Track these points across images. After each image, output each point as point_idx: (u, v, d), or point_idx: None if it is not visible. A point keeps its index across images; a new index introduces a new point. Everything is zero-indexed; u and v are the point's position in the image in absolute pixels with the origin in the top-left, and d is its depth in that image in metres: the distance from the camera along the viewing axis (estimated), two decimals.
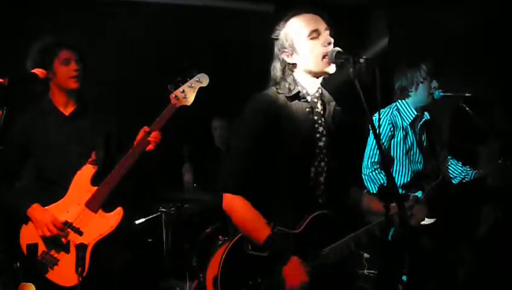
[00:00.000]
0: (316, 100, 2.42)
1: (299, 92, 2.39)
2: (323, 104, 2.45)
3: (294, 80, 2.40)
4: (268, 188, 2.37)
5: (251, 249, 2.29)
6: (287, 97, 2.38)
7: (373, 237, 2.34)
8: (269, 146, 2.33)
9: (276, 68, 2.42)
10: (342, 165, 2.45)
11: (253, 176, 2.33)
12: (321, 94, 2.46)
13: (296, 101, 2.39)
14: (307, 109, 2.40)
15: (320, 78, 2.44)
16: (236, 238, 2.33)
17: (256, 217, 2.30)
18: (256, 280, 2.26)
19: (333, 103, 2.49)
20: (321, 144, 2.39)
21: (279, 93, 2.39)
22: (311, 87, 2.42)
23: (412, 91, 3.62)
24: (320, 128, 2.41)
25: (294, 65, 2.40)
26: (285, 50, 2.39)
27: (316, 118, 2.41)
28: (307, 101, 2.41)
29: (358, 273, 3.60)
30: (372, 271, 3.73)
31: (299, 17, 2.40)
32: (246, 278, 2.27)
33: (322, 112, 2.43)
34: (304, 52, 2.37)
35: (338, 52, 2.32)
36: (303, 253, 2.29)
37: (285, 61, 2.40)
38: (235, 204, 2.34)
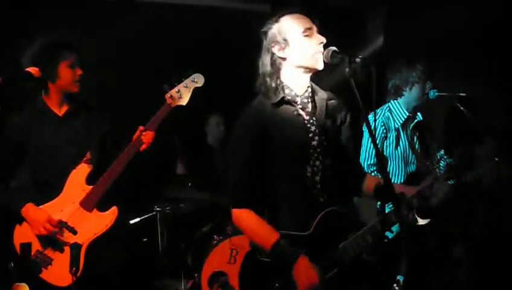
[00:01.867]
0: (306, 100, 2.41)
1: (283, 97, 2.39)
2: (314, 101, 2.45)
3: (280, 83, 2.39)
4: (270, 196, 2.38)
5: (263, 256, 2.31)
6: (273, 104, 2.38)
7: (390, 226, 2.33)
8: (264, 156, 2.35)
9: (265, 62, 2.41)
10: (341, 160, 2.44)
11: (255, 187, 2.36)
12: (311, 92, 2.44)
13: (283, 105, 2.39)
14: (295, 112, 2.40)
15: (309, 75, 2.42)
16: (250, 249, 2.37)
17: (262, 226, 2.33)
18: (274, 285, 2.27)
19: (324, 97, 2.48)
20: (314, 143, 2.38)
21: (266, 98, 2.39)
22: (299, 86, 2.41)
23: (405, 90, 3.61)
24: (313, 128, 2.40)
25: (284, 59, 2.39)
26: (277, 43, 2.38)
27: (307, 118, 2.40)
28: (294, 104, 2.40)
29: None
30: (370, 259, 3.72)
31: (292, 15, 2.41)
32: (264, 285, 2.29)
33: (313, 110, 2.43)
34: (297, 47, 2.36)
35: (334, 51, 2.32)
36: (317, 254, 2.28)
37: (275, 55, 2.39)
38: (241, 218, 2.37)
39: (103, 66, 4.31)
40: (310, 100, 2.43)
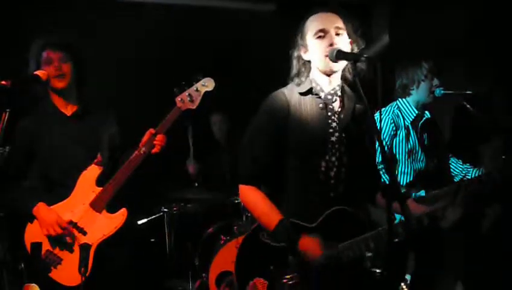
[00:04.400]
0: (330, 97, 2.45)
1: (311, 88, 2.45)
2: (342, 100, 2.48)
3: (307, 77, 2.47)
4: (281, 182, 2.43)
5: (266, 237, 2.36)
6: (300, 93, 2.44)
7: (396, 236, 2.31)
8: (280, 140, 2.40)
9: (293, 64, 2.50)
10: (359, 161, 2.46)
11: (266, 168, 2.41)
12: (340, 90, 2.48)
13: (310, 96, 2.45)
14: (320, 105, 2.44)
15: (336, 75, 2.45)
16: (252, 229, 2.42)
17: (268, 204, 2.38)
18: (268, 268, 2.32)
19: (353, 100, 2.51)
20: (333, 139, 2.42)
21: (297, 86, 2.46)
22: (325, 84, 2.46)
23: (413, 89, 3.61)
24: (334, 124, 2.43)
25: (309, 62, 2.47)
26: (300, 47, 2.47)
27: (329, 114, 2.44)
28: (320, 97, 2.45)
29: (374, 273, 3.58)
30: (375, 270, 3.72)
31: (315, 16, 2.46)
32: (260, 267, 2.33)
33: (339, 109, 2.46)
34: (311, 50, 2.44)
35: (338, 51, 2.33)
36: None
37: (302, 58, 2.48)
38: (248, 194, 2.43)
39: (110, 67, 4.34)
40: (336, 99, 2.46)
